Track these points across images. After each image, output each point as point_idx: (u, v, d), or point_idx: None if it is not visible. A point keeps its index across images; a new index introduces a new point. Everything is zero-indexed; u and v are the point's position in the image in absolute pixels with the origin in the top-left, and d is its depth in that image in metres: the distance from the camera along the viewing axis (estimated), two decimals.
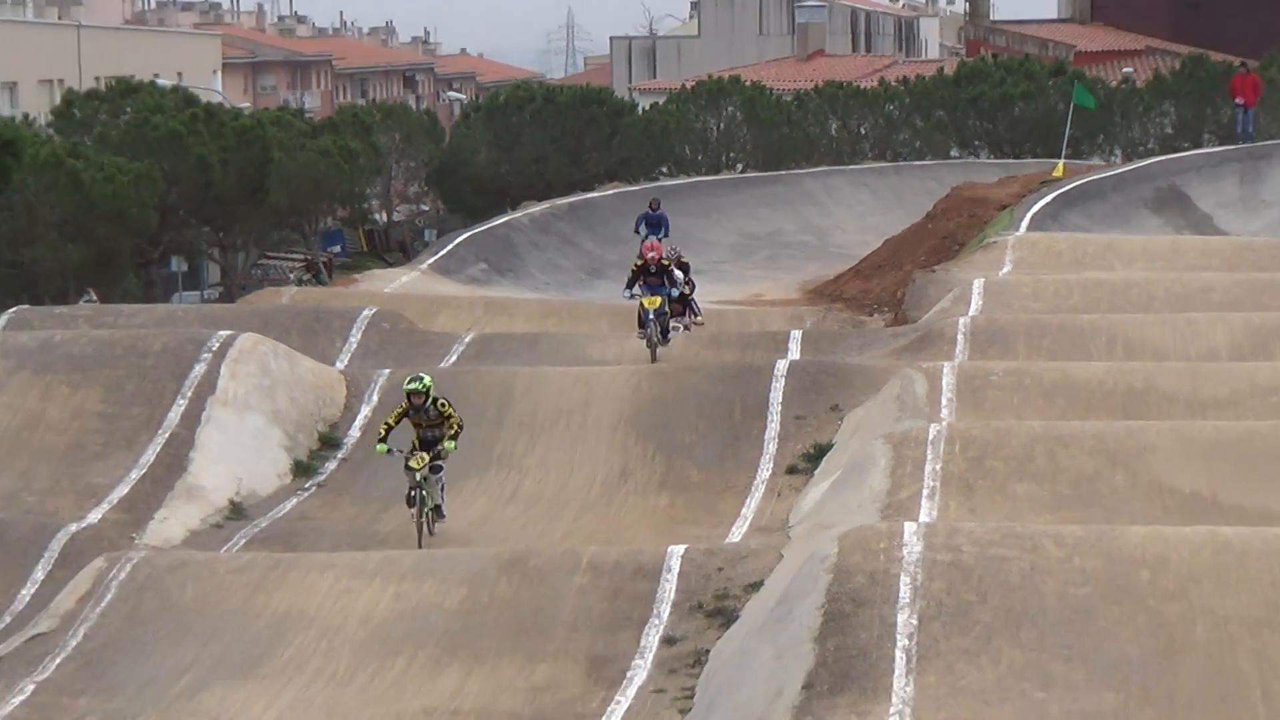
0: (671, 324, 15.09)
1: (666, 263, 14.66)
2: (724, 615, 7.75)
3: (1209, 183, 22.22)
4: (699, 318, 15.90)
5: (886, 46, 69.64)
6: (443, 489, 10.29)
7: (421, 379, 10.32)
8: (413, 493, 10.05)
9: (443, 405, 10.32)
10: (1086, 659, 5.82)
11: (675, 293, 14.54)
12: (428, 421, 10.31)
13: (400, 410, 10.32)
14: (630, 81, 62.64)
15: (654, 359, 13.93)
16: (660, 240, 18.29)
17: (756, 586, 7.89)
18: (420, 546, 9.90)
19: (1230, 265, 17.36)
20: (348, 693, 7.37)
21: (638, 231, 20.44)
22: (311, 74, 73.24)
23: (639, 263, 14.48)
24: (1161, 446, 9.60)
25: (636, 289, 14.13)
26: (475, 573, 8.61)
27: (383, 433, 10.39)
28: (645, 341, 14.11)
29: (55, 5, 57.25)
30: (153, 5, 74.28)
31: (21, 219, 27.77)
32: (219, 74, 59.86)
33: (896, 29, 73.81)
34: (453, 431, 10.31)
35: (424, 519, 10.14)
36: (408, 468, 10.00)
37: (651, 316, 13.95)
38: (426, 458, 10.01)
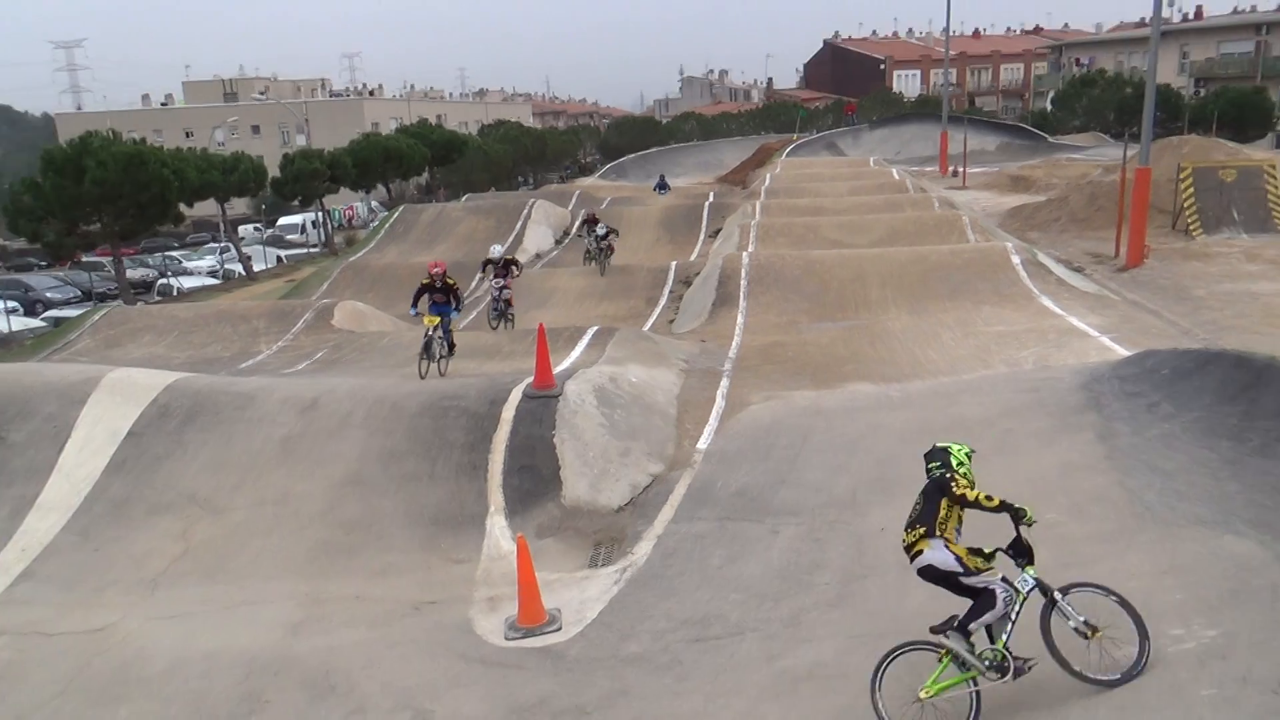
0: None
1: (451, 281, 14.14)
2: (688, 284, 21.79)
3: (842, 139, 56.80)
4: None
5: None
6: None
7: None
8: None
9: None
10: (797, 291, 19.73)
11: (456, 314, 14.29)
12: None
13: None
14: None
15: (422, 375, 13.61)
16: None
17: (698, 274, 21.86)
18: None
19: (847, 164, 44.16)
20: None
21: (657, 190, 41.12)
22: None
23: (424, 280, 14.18)
24: (827, 226, 23.79)
25: (421, 305, 13.98)
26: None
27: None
28: (420, 363, 13.68)
29: None
30: None
31: None
32: None
33: None
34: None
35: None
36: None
37: (431, 334, 13.71)
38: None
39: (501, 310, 18.71)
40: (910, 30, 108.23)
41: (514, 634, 7.99)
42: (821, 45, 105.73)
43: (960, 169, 40.17)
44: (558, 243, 31.68)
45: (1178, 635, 5.68)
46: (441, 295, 14.04)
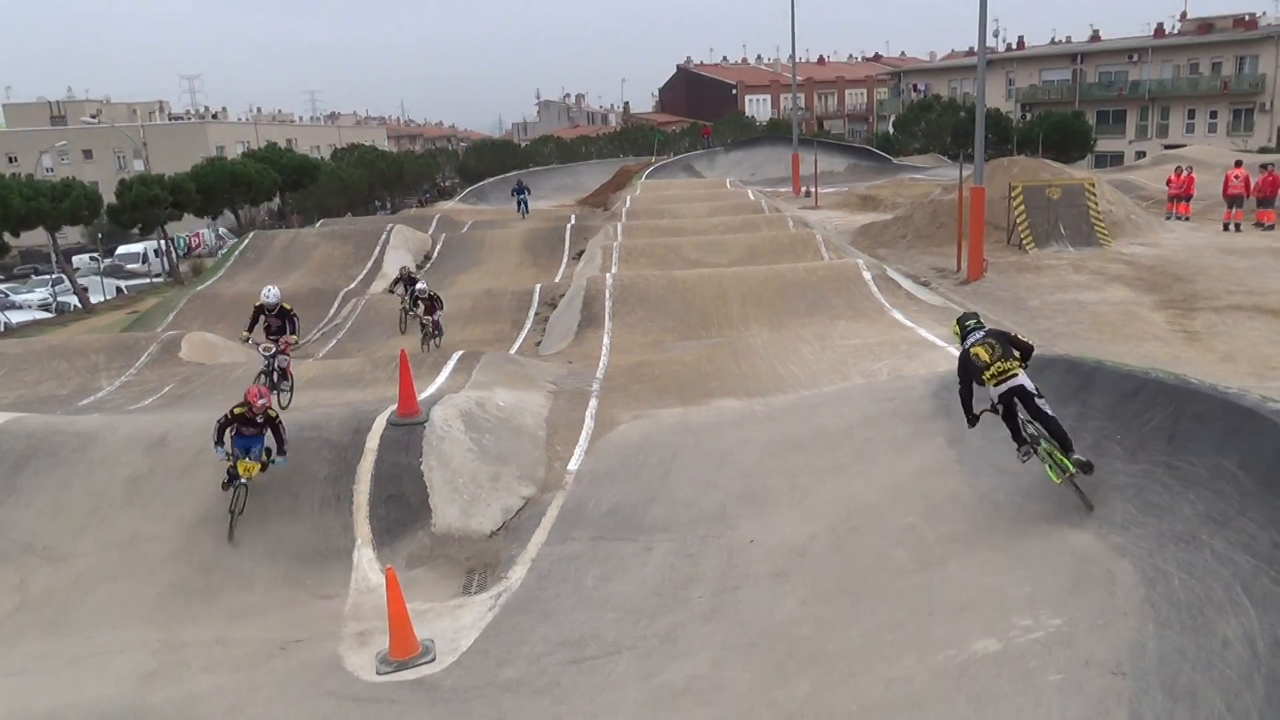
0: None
1: (274, 414, 10.52)
2: (553, 306, 21.78)
3: (699, 161, 58.01)
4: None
5: None
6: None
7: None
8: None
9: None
10: (661, 311, 19.96)
11: (278, 460, 10.37)
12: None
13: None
14: None
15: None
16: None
17: (563, 295, 21.89)
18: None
19: (705, 186, 45.11)
20: None
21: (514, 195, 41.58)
22: None
23: (238, 409, 10.25)
24: (687, 246, 24.37)
25: (227, 445, 10.19)
26: None
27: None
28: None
29: None
30: None
31: None
32: None
33: None
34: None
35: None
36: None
37: (243, 483, 10.11)
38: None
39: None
40: (759, 56, 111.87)
41: (386, 668, 7.77)
42: (675, 70, 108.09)
43: (812, 189, 41.70)
44: (419, 267, 31.18)
45: (1027, 625, 6.04)
46: (256, 428, 10.40)
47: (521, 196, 40.72)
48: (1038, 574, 6.69)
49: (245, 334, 14.56)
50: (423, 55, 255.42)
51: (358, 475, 10.56)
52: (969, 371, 7.71)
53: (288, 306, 14.56)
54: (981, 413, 7.82)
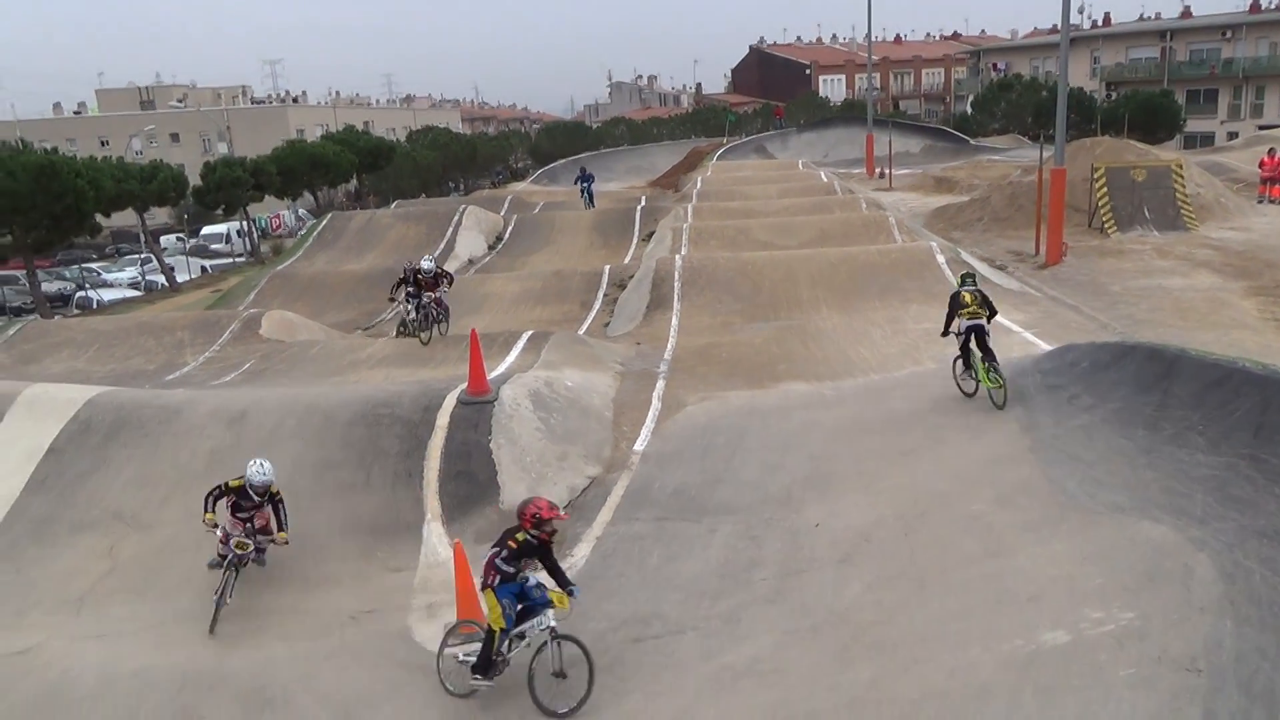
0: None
1: (276, 490, 9.07)
2: (622, 287, 21.84)
3: (771, 142, 56.85)
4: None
5: None
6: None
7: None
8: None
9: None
10: (730, 293, 19.89)
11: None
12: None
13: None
14: None
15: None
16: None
17: (632, 277, 21.94)
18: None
19: (776, 167, 44.73)
20: None
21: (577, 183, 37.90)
22: None
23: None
24: (759, 232, 24.07)
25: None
26: None
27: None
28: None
29: None
30: None
31: None
32: None
33: None
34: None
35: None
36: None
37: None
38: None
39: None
40: (834, 36, 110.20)
41: (454, 640, 7.94)
42: (748, 51, 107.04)
43: (886, 171, 41.01)
44: (490, 248, 31.54)
45: (1098, 618, 5.90)
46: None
47: (586, 185, 36.66)
48: (1111, 566, 6.53)
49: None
50: (496, 38, 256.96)
51: (428, 452, 10.76)
52: (956, 304, 10.98)
53: (275, 490, 9.78)
54: (953, 332, 10.99)
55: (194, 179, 39.89)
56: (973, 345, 10.70)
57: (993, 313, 10.99)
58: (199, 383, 15.92)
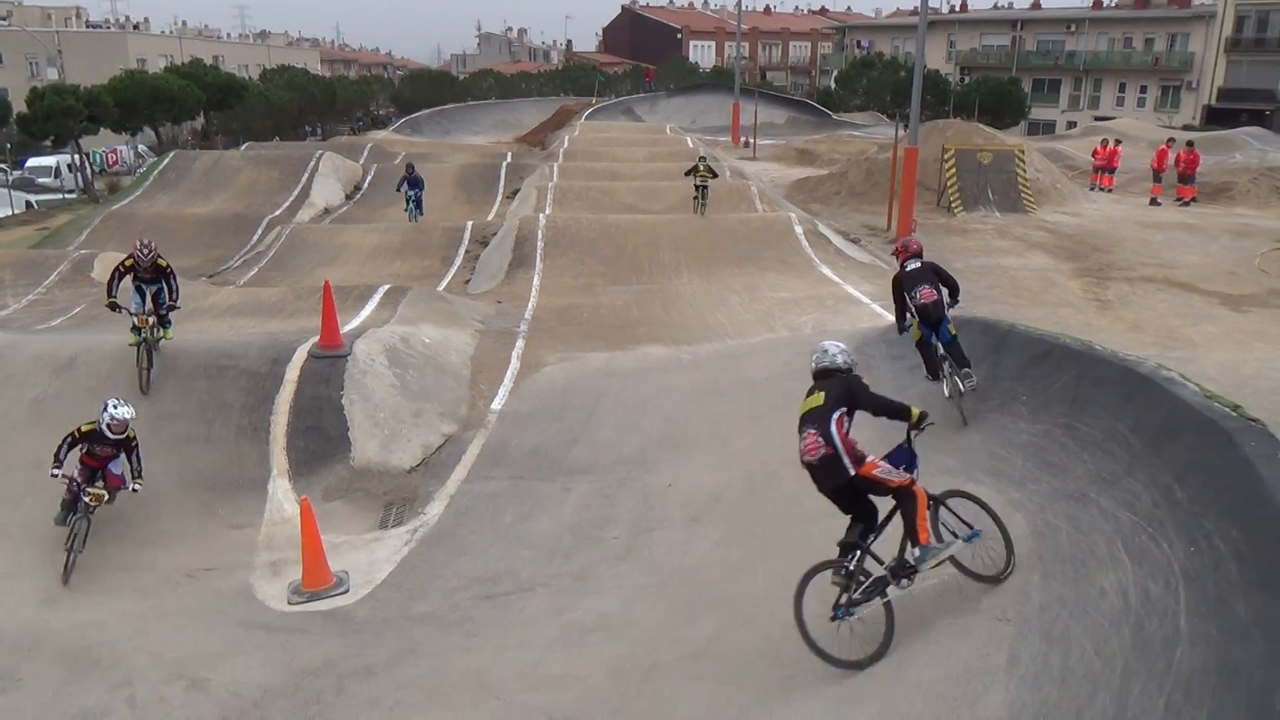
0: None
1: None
2: (484, 244, 21.54)
3: (640, 105, 57.89)
4: None
5: None
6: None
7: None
8: None
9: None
10: (593, 255, 19.90)
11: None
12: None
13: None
14: None
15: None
16: None
17: (494, 234, 21.65)
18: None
19: (644, 130, 44.51)
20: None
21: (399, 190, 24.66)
22: None
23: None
24: (622, 193, 24.22)
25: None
26: None
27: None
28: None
29: None
30: None
31: None
32: None
33: None
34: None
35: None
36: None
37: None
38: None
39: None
40: (706, 2, 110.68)
41: (298, 598, 7.78)
42: (620, 10, 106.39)
43: (751, 140, 41.71)
44: (348, 197, 30.49)
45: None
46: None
47: (415, 192, 24.48)
48: None
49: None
50: None
51: (275, 406, 10.43)
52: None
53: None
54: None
55: (19, 105, 36.81)
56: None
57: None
58: (21, 326, 14.85)
